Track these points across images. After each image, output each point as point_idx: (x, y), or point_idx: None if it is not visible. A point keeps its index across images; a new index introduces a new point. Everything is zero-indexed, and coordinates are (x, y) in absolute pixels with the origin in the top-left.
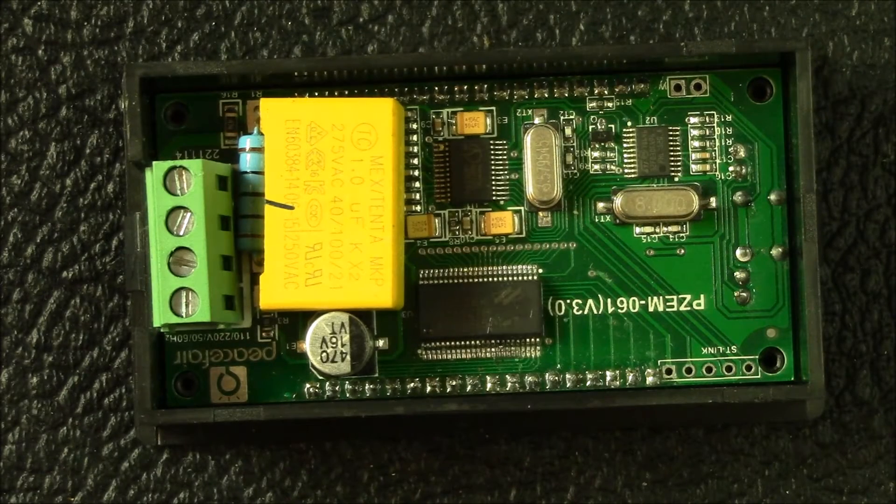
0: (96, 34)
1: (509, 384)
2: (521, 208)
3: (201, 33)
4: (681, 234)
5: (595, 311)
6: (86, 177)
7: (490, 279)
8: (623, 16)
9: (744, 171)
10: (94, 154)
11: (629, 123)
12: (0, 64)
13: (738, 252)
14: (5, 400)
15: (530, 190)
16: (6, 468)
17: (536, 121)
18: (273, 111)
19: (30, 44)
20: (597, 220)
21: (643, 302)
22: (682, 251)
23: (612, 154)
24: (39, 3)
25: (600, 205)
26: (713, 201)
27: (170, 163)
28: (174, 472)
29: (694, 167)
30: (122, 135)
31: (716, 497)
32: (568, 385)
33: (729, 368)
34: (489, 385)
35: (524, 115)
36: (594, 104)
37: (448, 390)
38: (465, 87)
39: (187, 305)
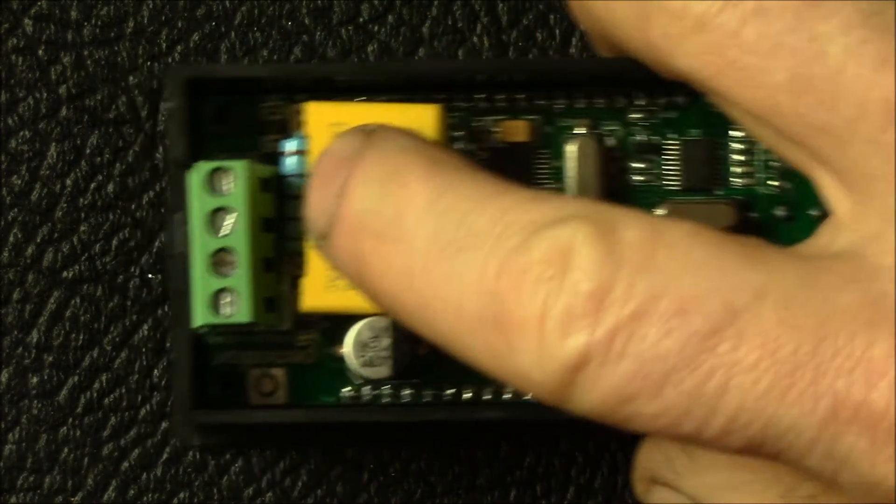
0: (96, 34)
1: None
2: None
3: (201, 33)
4: None
5: None
6: (86, 177)
7: None
8: None
9: (786, 185)
10: (94, 154)
11: (672, 135)
12: (0, 64)
13: None
14: (5, 400)
15: None
16: (6, 468)
17: (579, 131)
18: (318, 115)
19: (30, 44)
20: None
21: None
22: None
23: (653, 166)
24: (39, 3)
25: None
26: (754, 215)
27: (214, 163)
28: (174, 472)
29: (736, 181)
30: (121, 135)
31: None
32: None
33: None
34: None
35: (567, 124)
36: (637, 115)
37: (485, 397)
38: (508, 96)
39: (228, 306)
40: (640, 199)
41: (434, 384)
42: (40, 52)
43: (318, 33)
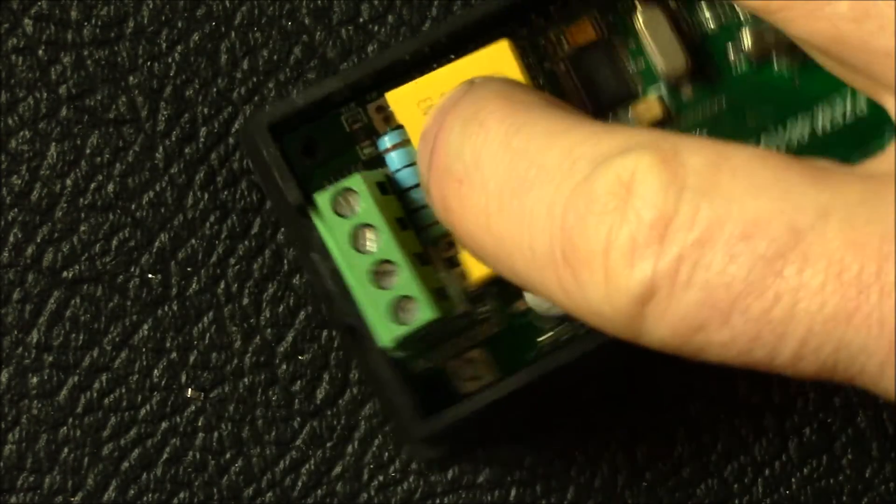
0: (96, 34)
1: None
2: (662, 90)
3: (201, 33)
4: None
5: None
6: (86, 177)
7: None
8: None
9: None
10: (94, 154)
11: None
12: (0, 64)
13: None
14: (5, 400)
15: (662, 69)
16: (6, 468)
17: (640, 6)
18: (403, 100)
19: (30, 44)
20: (737, 72)
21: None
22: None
23: (721, 5)
24: (39, 3)
25: (732, 55)
26: None
27: (332, 190)
28: (174, 472)
29: None
30: (121, 135)
31: (716, 497)
32: None
33: None
34: None
35: (626, 5)
36: None
37: None
38: (559, 4)
39: (408, 312)
40: (723, 39)
41: None
42: (40, 52)
43: (318, 33)
